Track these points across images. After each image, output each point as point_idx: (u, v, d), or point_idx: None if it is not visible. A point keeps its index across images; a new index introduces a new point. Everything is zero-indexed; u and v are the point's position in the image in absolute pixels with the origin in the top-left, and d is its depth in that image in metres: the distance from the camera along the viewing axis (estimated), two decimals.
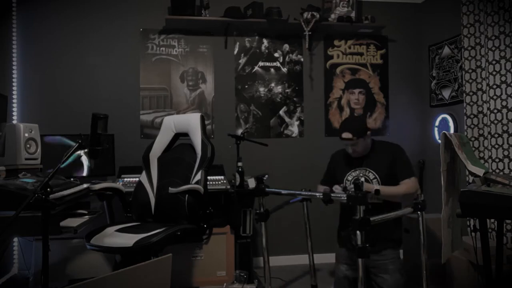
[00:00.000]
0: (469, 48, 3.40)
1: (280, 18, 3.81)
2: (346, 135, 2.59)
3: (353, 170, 2.70)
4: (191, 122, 3.02)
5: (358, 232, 1.99)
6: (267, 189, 2.63)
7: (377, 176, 2.61)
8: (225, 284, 3.00)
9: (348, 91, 4.16)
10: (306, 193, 2.60)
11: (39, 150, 2.76)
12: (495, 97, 3.17)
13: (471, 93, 3.39)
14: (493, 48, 3.19)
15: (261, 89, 4.02)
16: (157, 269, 1.16)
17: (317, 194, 2.39)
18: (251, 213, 3.17)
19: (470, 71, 3.40)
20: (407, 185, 2.56)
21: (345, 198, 2.11)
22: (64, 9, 3.71)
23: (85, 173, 3.43)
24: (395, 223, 2.61)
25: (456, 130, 3.72)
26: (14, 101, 3.54)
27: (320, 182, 2.91)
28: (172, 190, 2.52)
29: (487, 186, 1.95)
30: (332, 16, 3.96)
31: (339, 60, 4.16)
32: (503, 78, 3.14)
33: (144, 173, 3.05)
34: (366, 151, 2.68)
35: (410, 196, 2.50)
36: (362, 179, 2.41)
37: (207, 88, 3.94)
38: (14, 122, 3.48)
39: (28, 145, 2.66)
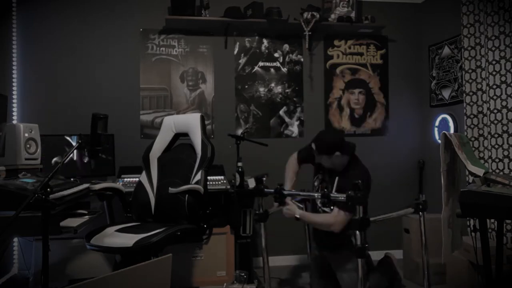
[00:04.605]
0: (469, 48, 3.40)
1: (280, 18, 3.80)
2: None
3: (321, 174, 2.76)
4: (191, 122, 3.02)
5: (357, 232, 1.99)
6: (265, 189, 2.63)
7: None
8: (225, 284, 3.00)
9: (348, 91, 4.16)
10: (305, 193, 2.60)
11: (39, 150, 2.76)
12: (495, 97, 3.17)
13: (471, 93, 3.39)
14: (493, 48, 3.18)
15: (261, 89, 4.02)
16: (157, 269, 1.16)
17: (316, 194, 2.39)
18: (251, 213, 3.17)
19: (470, 71, 3.39)
20: (330, 216, 2.50)
21: (344, 198, 2.11)
22: (64, 9, 3.71)
23: (85, 173, 3.43)
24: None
25: (456, 130, 3.72)
26: (14, 101, 3.54)
27: (298, 152, 2.95)
28: (172, 190, 2.53)
29: (487, 186, 1.95)
30: (332, 16, 3.96)
31: (339, 60, 4.16)
32: (503, 78, 3.14)
33: (144, 173, 3.05)
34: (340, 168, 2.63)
35: (326, 227, 2.51)
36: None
37: (207, 88, 3.94)
38: (14, 122, 3.48)
39: (28, 145, 2.66)
